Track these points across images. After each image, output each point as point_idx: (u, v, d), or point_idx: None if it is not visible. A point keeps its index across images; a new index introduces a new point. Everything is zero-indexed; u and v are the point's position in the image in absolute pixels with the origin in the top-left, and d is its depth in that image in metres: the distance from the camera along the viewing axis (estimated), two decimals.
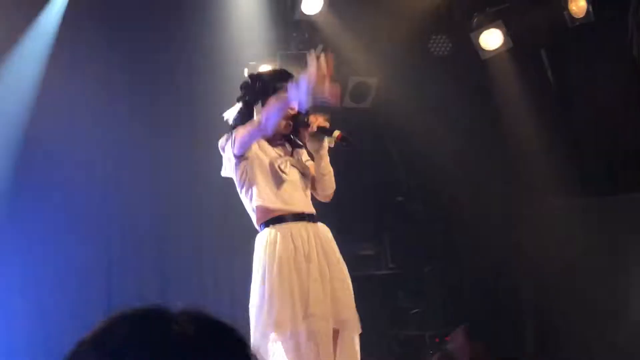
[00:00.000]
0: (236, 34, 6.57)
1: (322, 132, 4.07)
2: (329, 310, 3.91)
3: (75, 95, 6.13)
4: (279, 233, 3.96)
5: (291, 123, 4.09)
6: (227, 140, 4.04)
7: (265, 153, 4.07)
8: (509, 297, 6.98)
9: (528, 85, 7.21)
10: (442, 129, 7.01)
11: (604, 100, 6.78)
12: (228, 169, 4.10)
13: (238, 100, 4.15)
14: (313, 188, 4.20)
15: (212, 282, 6.54)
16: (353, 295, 4.08)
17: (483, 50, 6.83)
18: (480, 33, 6.77)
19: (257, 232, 4.09)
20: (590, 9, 6.23)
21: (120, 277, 6.24)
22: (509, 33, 6.72)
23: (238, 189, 4.10)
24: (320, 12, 6.47)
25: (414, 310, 7.21)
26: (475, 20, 6.86)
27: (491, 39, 6.79)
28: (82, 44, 6.18)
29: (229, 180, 4.18)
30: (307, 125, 4.06)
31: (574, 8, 6.29)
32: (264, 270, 3.92)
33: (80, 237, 6.18)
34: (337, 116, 4.30)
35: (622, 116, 6.69)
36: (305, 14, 6.43)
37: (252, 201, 4.03)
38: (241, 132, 3.97)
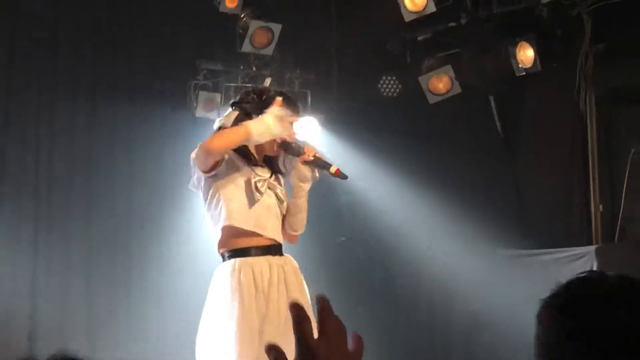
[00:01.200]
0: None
1: (318, 163, 3.97)
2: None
3: None
4: (242, 269, 3.77)
5: (281, 147, 3.93)
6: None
7: (241, 170, 3.89)
8: (442, 339, 6.91)
9: (475, 132, 7.23)
10: (386, 171, 6.97)
11: (549, 151, 6.81)
12: (195, 182, 3.93)
13: (234, 106, 4.01)
14: (282, 223, 4.00)
15: None
16: None
17: (431, 94, 6.81)
18: (429, 77, 6.76)
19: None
20: (538, 60, 6.25)
21: None
22: (457, 78, 6.72)
23: (204, 206, 3.91)
24: (269, 47, 6.42)
25: None
26: (425, 64, 6.85)
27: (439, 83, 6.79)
28: None
29: None
30: (301, 153, 3.92)
31: (521, 57, 6.31)
32: (227, 306, 3.74)
33: None
34: None
35: (565, 169, 6.71)
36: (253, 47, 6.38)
37: (219, 220, 3.83)
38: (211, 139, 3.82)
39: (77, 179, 6.40)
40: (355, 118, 7.05)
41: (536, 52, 6.27)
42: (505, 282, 6.32)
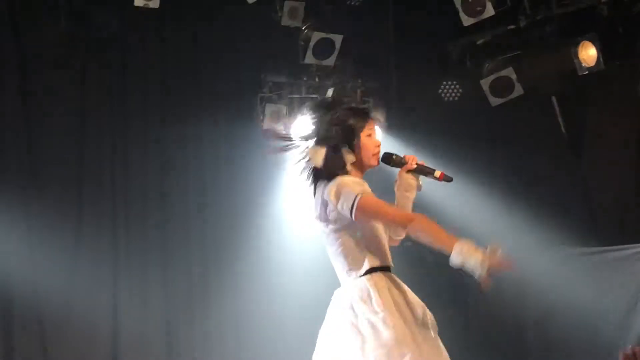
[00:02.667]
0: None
1: (422, 171, 3.98)
2: None
3: None
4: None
5: (382, 161, 3.91)
6: (345, 203, 3.64)
7: None
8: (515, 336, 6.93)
9: (538, 133, 7.24)
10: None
11: (614, 149, 6.80)
12: (330, 218, 3.77)
13: (317, 141, 3.79)
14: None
15: None
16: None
17: (493, 96, 6.84)
18: (491, 80, 6.79)
19: None
20: (601, 58, 6.25)
21: None
22: (519, 80, 6.74)
23: (332, 239, 3.81)
24: (331, 58, 6.53)
25: None
26: (485, 67, 6.89)
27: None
28: None
29: None
30: (403, 163, 3.95)
31: (584, 56, 6.31)
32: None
33: None
34: None
35: (632, 166, 6.69)
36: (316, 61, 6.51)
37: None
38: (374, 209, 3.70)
39: (151, 195, 6.56)
40: (417, 124, 7.11)
41: (599, 50, 6.27)
42: (575, 280, 6.33)
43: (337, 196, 3.66)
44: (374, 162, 3.87)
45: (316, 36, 6.41)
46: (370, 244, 3.76)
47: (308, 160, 3.84)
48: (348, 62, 6.93)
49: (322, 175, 3.79)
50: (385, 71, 7.23)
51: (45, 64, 6.27)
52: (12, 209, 5.99)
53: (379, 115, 3.89)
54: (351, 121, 3.83)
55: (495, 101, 6.87)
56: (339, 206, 3.67)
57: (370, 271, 3.73)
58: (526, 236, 6.79)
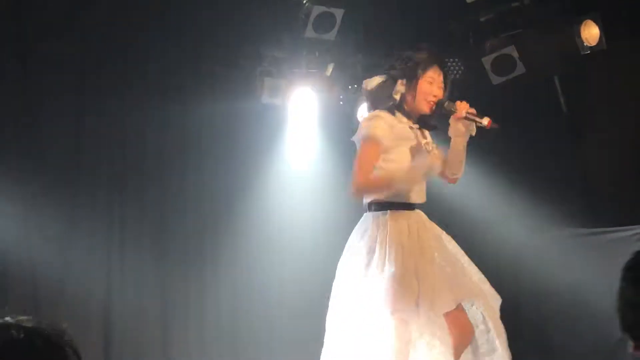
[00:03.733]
0: None
1: (472, 118, 4.23)
2: None
3: None
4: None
5: (434, 107, 4.20)
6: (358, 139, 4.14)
7: (408, 139, 4.17)
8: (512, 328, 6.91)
9: (540, 112, 7.19)
10: None
11: (615, 129, 6.75)
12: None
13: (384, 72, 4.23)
14: (442, 172, 4.31)
15: None
16: None
17: (494, 75, 6.80)
18: (492, 58, 6.74)
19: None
20: (603, 38, 6.19)
21: None
22: (521, 59, 6.68)
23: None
24: (332, 32, 6.47)
25: None
26: (488, 45, 6.83)
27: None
28: None
29: None
30: (454, 111, 4.20)
31: (586, 35, 6.26)
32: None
33: None
34: None
35: (632, 147, 6.65)
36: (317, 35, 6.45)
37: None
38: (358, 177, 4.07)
39: (149, 175, 6.54)
40: None
41: (601, 30, 6.21)
42: (574, 260, 6.31)
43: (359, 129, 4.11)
44: (424, 107, 4.19)
45: (317, 10, 6.35)
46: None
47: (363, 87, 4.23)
48: (349, 37, 6.88)
49: (367, 101, 4.25)
50: (388, 48, 7.18)
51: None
52: (7, 188, 5.95)
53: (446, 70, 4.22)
54: (418, 60, 4.16)
55: (496, 79, 6.82)
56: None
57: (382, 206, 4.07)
58: (525, 216, 6.77)
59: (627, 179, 6.69)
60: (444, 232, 4.30)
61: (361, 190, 4.14)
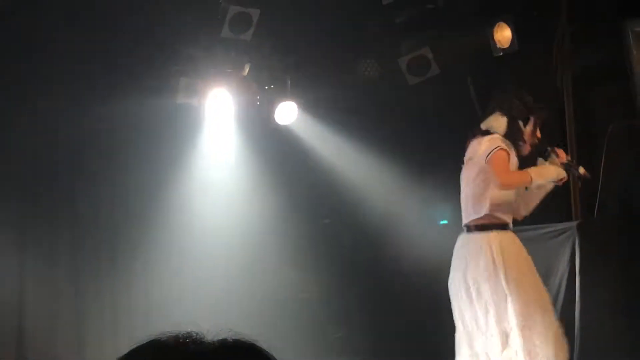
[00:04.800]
0: None
1: (568, 167, 4.68)
2: None
3: None
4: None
5: (533, 148, 4.72)
6: (489, 149, 4.64)
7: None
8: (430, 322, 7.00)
9: (455, 113, 7.29)
10: (368, 153, 7.02)
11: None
12: (474, 160, 4.78)
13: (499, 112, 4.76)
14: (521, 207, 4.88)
15: None
16: None
17: (410, 75, 6.86)
18: (408, 59, 6.80)
19: None
20: (515, 40, 6.31)
21: None
22: (436, 60, 6.76)
23: (474, 173, 4.76)
24: (248, 33, 6.43)
25: (336, 335, 7.17)
26: (403, 46, 6.89)
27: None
28: None
29: None
30: (554, 156, 4.69)
31: (499, 37, 6.36)
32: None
33: None
34: None
35: (545, 147, 6.77)
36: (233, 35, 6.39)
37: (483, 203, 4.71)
38: (496, 163, 4.62)
39: (61, 173, 6.39)
40: (335, 101, 7.10)
41: (514, 32, 6.32)
42: None
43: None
44: (525, 150, 4.71)
45: (233, 10, 6.30)
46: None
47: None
48: (267, 37, 6.85)
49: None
50: (305, 48, 7.17)
51: None
52: None
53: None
54: (529, 103, 4.75)
55: (412, 79, 6.89)
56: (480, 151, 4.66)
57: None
58: (439, 214, 6.85)
59: None
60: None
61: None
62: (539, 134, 4.70)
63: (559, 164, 4.67)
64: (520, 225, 6.47)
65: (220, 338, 1.27)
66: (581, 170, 4.66)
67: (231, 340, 1.27)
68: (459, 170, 7.24)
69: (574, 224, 5.89)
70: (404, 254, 7.04)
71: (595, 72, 6.35)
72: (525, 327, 4.44)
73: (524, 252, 4.68)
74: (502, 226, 4.67)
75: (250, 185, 7.07)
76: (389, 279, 7.29)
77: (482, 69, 6.96)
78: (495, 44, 6.40)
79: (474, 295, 4.60)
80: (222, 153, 6.88)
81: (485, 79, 7.03)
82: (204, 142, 6.78)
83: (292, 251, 7.30)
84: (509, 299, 4.49)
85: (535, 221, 6.39)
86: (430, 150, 7.31)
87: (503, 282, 4.51)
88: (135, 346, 1.26)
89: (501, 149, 4.63)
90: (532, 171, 4.63)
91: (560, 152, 4.72)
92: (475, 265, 4.60)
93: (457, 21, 6.66)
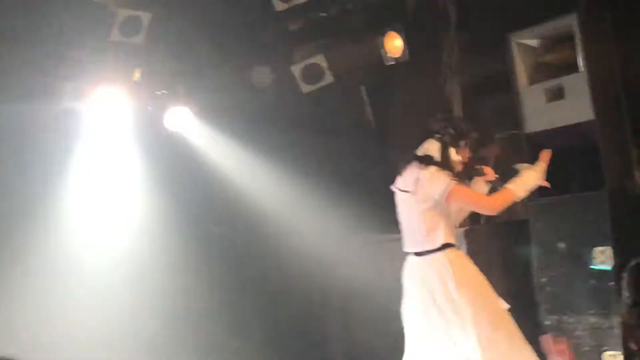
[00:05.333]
0: None
1: (497, 183, 4.80)
2: None
3: None
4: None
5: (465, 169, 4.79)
6: (442, 188, 4.61)
7: None
8: (321, 330, 7.02)
9: (348, 121, 7.35)
10: (262, 161, 7.01)
11: (418, 140, 6.96)
12: (419, 195, 4.69)
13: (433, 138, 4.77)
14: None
15: None
16: None
17: (304, 83, 6.87)
18: (302, 66, 6.80)
19: None
20: (406, 49, 6.38)
21: None
22: (329, 68, 6.79)
23: (422, 208, 4.69)
24: (139, 37, 6.32)
25: (232, 345, 7.12)
26: (297, 54, 6.90)
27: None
28: None
29: None
30: (483, 174, 4.84)
31: (390, 47, 6.43)
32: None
33: None
34: None
35: None
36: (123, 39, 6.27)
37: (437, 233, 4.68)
38: (466, 198, 4.69)
39: None
40: (229, 108, 7.05)
41: (404, 41, 6.39)
42: (377, 265, 6.46)
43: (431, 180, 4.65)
44: (460, 167, 4.75)
45: (123, 13, 6.18)
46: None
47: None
48: (159, 42, 6.75)
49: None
50: (198, 54, 7.11)
51: None
52: None
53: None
54: (462, 126, 4.84)
55: (306, 88, 6.90)
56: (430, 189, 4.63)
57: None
58: (332, 222, 6.88)
59: None
60: None
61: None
62: (469, 154, 4.81)
63: (484, 181, 4.81)
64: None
65: None
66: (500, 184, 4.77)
67: None
68: (356, 177, 7.35)
69: (461, 230, 6.00)
70: (298, 263, 7.04)
71: (482, 83, 6.50)
72: (487, 342, 4.50)
73: (474, 267, 4.73)
74: (451, 245, 4.70)
75: (140, 193, 6.95)
76: (284, 287, 7.27)
77: (375, 78, 7.04)
78: (386, 53, 6.46)
79: (434, 316, 4.61)
80: (110, 160, 6.74)
81: (379, 88, 7.12)
82: (91, 148, 6.64)
83: (185, 260, 7.20)
84: (470, 317, 4.52)
85: None
86: (326, 159, 7.35)
87: (463, 300, 4.55)
88: None
89: (454, 184, 4.67)
90: (513, 187, 4.68)
91: (487, 169, 4.87)
92: (432, 287, 4.62)
93: (349, 30, 6.71)
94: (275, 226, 7.20)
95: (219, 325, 7.19)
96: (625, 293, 1.55)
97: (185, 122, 6.86)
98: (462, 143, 4.76)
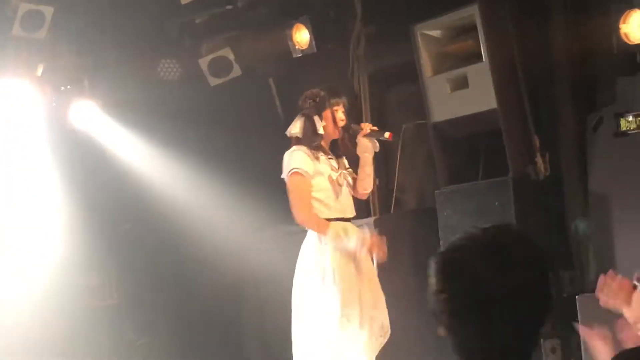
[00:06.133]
0: None
1: (375, 134, 4.78)
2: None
3: None
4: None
5: (342, 130, 4.80)
6: (285, 173, 4.75)
7: (322, 171, 4.74)
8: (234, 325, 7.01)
9: (258, 114, 7.34)
10: (170, 155, 6.94)
11: None
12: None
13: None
14: (354, 188, 4.88)
15: None
16: None
17: (212, 76, 6.84)
18: (209, 59, 6.77)
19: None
20: (313, 41, 6.41)
21: None
22: (237, 61, 6.78)
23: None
24: (42, 31, 6.18)
25: (140, 342, 7.04)
26: (204, 47, 6.86)
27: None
28: None
29: None
30: (359, 130, 4.77)
31: (297, 39, 6.46)
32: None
33: None
34: None
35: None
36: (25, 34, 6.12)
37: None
38: (291, 193, 4.75)
39: None
40: (135, 102, 6.97)
41: (311, 33, 6.42)
42: (288, 255, 6.49)
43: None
44: (336, 133, 4.79)
45: (24, 7, 6.04)
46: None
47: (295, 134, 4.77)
48: (62, 36, 6.62)
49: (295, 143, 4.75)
50: (103, 47, 7.00)
51: None
52: None
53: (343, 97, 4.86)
54: (324, 95, 4.82)
55: (214, 81, 6.87)
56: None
57: None
58: (243, 215, 6.87)
59: None
60: None
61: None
62: (342, 118, 4.79)
63: (363, 136, 4.79)
64: None
65: None
66: (387, 134, 4.78)
67: None
68: (266, 170, 7.32)
69: (371, 219, 6.08)
70: (209, 258, 7.01)
71: (389, 74, 6.58)
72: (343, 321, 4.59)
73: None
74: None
75: (46, 191, 6.81)
76: (194, 283, 7.24)
77: (284, 71, 7.05)
78: (294, 45, 6.48)
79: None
80: (16, 156, 6.58)
81: (287, 80, 7.13)
82: None
83: (94, 257, 7.09)
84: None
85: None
86: (236, 153, 7.33)
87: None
88: None
89: (295, 172, 4.70)
90: (332, 229, 4.69)
91: (364, 124, 4.87)
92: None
93: (256, 22, 6.71)
94: (186, 221, 7.15)
95: (126, 322, 7.11)
96: (432, 280, 1.65)
97: (91, 117, 6.74)
98: (325, 109, 4.76)
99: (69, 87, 6.68)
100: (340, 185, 4.77)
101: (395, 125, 6.44)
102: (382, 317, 4.72)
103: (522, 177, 5.47)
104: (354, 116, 6.81)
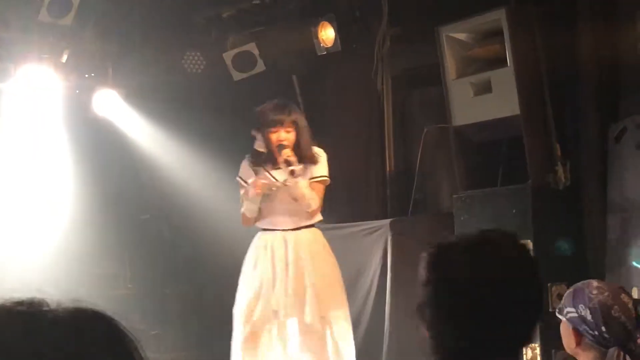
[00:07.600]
0: None
1: (287, 164, 5.03)
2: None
3: None
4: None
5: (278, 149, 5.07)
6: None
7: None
8: None
9: None
10: (190, 148, 6.94)
11: (349, 130, 7.00)
12: None
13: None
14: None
15: None
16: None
17: (236, 71, 6.83)
18: (233, 54, 6.76)
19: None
20: (338, 40, 6.39)
21: None
22: (261, 56, 6.76)
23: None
24: (68, 17, 6.19)
25: (153, 332, 7.04)
26: (229, 41, 6.85)
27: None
28: None
29: None
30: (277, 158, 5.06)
31: (322, 37, 6.43)
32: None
33: None
34: None
35: (364, 147, 6.92)
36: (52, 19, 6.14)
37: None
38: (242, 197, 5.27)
39: None
40: (158, 93, 6.97)
41: (337, 32, 6.40)
42: None
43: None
44: (276, 153, 5.06)
45: None
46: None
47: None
48: (88, 23, 6.64)
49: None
50: (129, 37, 7.01)
51: None
52: None
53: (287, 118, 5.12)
54: (261, 116, 5.20)
55: (238, 75, 6.86)
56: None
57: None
58: None
59: (359, 177, 6.97)
60: None
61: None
62: (279, 139, 5.08)
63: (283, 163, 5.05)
64: (337, 222, 6.60)
65: (62, 304, 1.19)
66: (291, 168, 5.01)
67: (72, 307, 1.19)
68: None
69: (387, 221, 6.04)
70: (224, 252, 7.00)
71: (413, 75, 6.54)
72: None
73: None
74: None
75: (66, 178, 6.83)
76: (209, 275, 7.23)
77: (308, 68, 7.02)
78: (319, 42, 6.46)
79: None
80: (36, 143, 6.61)
81: (310, 77, 7.11)
82: (15, 130, 6.50)
83: (110, 247, 7.11)
84: None
85: (351, 218, 6.54)
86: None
87: None
88: None
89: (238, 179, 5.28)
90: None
91: (284, 152, 5.07)
92: None
93: (282, 18, 6.69)
94: (203, 214, 7.15)
95: (140, 312, 7.12)
96: (422, 272, 1.66)
97: (113, 106, 6.76)
98: (263, 129, 5.12)
99: (92, 74, 6.70)
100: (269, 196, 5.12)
101: (416, 127, 6.40)
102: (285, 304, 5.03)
103: (542, 185, 5.41)
104: (376, 117, 6.81)
